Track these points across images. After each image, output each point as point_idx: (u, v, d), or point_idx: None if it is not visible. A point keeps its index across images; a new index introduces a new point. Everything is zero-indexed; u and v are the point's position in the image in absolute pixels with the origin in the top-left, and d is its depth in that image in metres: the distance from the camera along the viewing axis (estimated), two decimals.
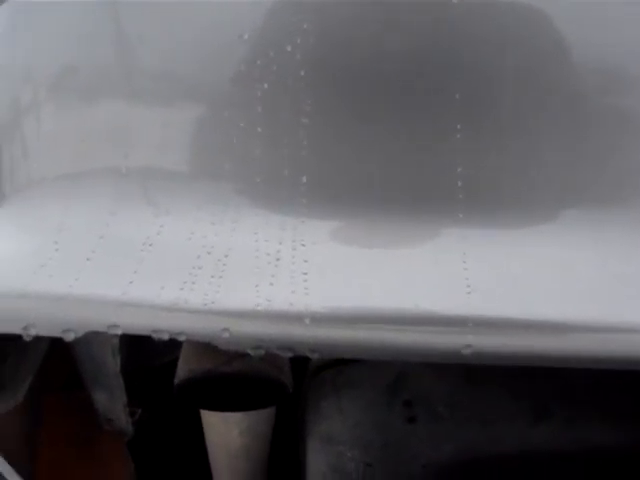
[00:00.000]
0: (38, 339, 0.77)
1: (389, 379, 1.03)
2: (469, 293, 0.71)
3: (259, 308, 0.71)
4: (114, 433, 1.33)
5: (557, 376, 1.00)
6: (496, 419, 1.02)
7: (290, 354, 0.72)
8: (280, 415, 1.22)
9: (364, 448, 1.05)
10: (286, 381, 0.89)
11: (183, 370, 0.87)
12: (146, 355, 1.31)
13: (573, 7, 0.74)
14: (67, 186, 0.79)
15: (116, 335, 1.05)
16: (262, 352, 0.72)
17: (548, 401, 1.02)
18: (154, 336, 0.72)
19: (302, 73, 0.74)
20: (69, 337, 0.74)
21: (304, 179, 0.75)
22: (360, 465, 1.06)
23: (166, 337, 0.72)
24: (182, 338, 0.72)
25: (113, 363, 1.15)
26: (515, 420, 1.02)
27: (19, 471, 1.29)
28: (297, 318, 0.70)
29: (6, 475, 1.29)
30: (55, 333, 0.74)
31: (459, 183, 0.75)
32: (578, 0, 0.75)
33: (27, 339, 0.75)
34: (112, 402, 1.26)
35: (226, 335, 0.71)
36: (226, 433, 1.17)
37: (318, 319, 0.70)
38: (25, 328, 0.74)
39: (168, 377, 0.99)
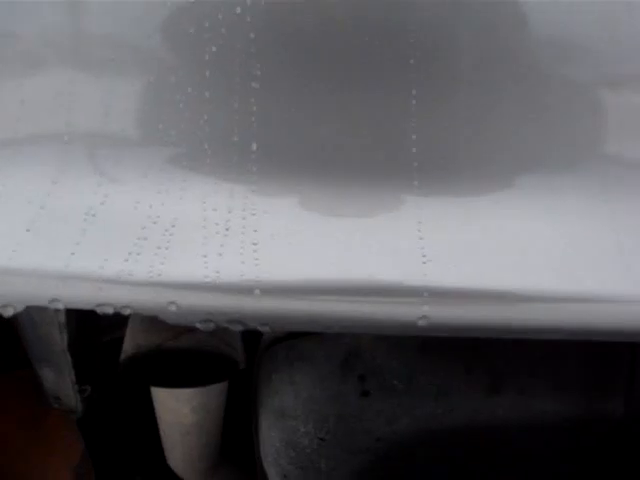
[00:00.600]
0: None
1: (342, 353, 1.02)
2: (424, 263, 0.70)
3: (207, 280, 0.68)
4: (63, 411, 1.31)
5: (510, 348, 1.00)
6: (450, 392, 1.01)
7: (240, 327, 0.70)
8: (232, 390, 1.20)
9: (318, 422, 1.04)
10: (236, 356, 0.87)
11: (129, 346, 0.85)
12: (94, 331, 1.28)
13: None
14: (4, 153, 0.76)
15: (60, 310, 1.03)
16: (212, 326, 0.70)
17: (501, 373, 1.02)
18: (98, 310, 0.69)
19: (252, 36, 0.72)
20: (8, 312, 0.70)
21: (254, 146, 0.73)
22: (314, 440, 1.05)
23: (110, 311, 0.69)
24: (127, 312, 0.69)
25: (60, 340, 1.12)
26: (469, 392, 1.02)
27: None
28: (247, 290, 0.68)
29: None
30: None
31: (414, 150, 0.73)
32: None
33: None
34: (60, 380, 1.23)
35: (173, 308, 0.69)
36: (177, 410, 1.15)
37: (269, 291, 0.68)
38: None
39: (118, 353, 0.97)
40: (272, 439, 1.11)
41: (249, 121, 0.73)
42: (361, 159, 0.74)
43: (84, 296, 0.69)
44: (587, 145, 0.76)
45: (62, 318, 1.07)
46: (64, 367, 1.18)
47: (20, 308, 0.70)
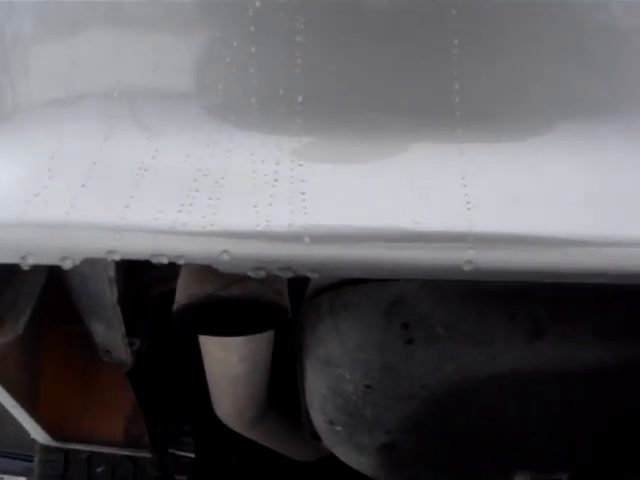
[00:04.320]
0: (35, 270, 0.77)
1: (386, 302, 1.03)
2: (469, 209, 0.71)
3: (258, 229, 0.70)
4: (113, 364, 1.34)
5: (553, 294, 1.01)
6: (493, 338, 1.02)
7: (290, 274, 0.72)
8: (278, 339, 1.22)
9: (363, 370, 1.06)
10: (284, 304, 0.89)
11: (182, 295, 0.87)
12: (142, 285, 1.31)
13: None
14: (57, 113, 0.78)
15: (113, 264, 1.06)
16: (263, 274, 0.72)
17: (544, 319, 1.02)
18: (153, 260, 0.71)
19: None
20: (67, 265, 0.73)
21: (300, 98, 0.74)
22: (360, 387, 1.07)
23: (165, 261, 0.71)
24: (181, 262, 0.72)
25: (110, 294, 1.14)
26: (511, 339, 1.02)
27: (21, 403, 1.31)
28: (297, 238, 0.70)
29: (9, 407, 1.31)
30: (53, 261, 0.73)
31: (456, 99, 0.73)
32: None
33: (25, 269, 0.74)
34: (110, 333, 1.26)
35: (226, 257, 0.71)
36: (226, 359, 1.18)
37: (318, 238, 0.70)
38: (23, 257, 0.74)
39: (166, 307, 0.99)
40: (318, 387, 1.13)
41: (294, 73, 0.74)
42: (405, 109, 0.75)
43: (140, 247, 0.72)
44: (629, 88, 0.76)
45: (112, 272, 1.10)
46: (114, 321, 1.21)
47: (78, 260, 0.73)
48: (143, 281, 1.31)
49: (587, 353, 1.02)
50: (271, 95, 0.74)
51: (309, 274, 0.72)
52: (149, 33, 0.77)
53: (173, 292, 0.93)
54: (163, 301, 1.19)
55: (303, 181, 0.72)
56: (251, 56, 0.74)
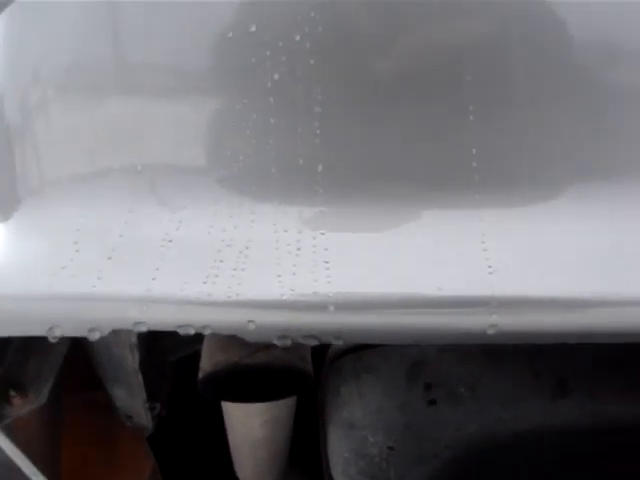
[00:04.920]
0: (60, 340, 0.78)
1: (408, 363, 1.03)
2: (491, 273, 0.72)
3: (284, 298, 0.71)
4: (134, 429, 1.34)
5: (576, 351, 1.01)
6: (517, 397, 1.02)
7: (315, 342, 0.72)
8: (300, 401, 1.22)
9: (386, 432, 1.05)
10: (309, 370, 0.90)
11: (207, 363, 0.88)
12: (162, 350, 1.31)
13: None
14: (82, 186, 0.80)
15: (132, 332, 1.07)
16: (288, 342, 0.72)
17: (568, 377, 1.02)
18: (180, 331, 0.72)
19: (312, 62, 0.74)
20: (94, 337, 0.74)
21: (319, 168, 0.75)
22: (383, 449, 1.07)
23: (191, 332, 0.72)
24: (207, 332, 0.72)
25: (132, 360, 1.15)
26: (536, 397, 1.02)
27: (43, 471, 1.30)
28: (321, 306, 0.71)
29: (31, 476, 1.30)
30: (81, 333, 0.74)
31: (474, 164, 0.75)
32: None
33: (52, 341, 0.75)
34: (131, 399, 1.26)
35: (252, 327, 0.71)
36: (248, 423, 1.18)
37: (342, 306, 0.71)
38: (50, 329, 0.75)
39: (185, 371, 0.99)
40: (341, 450, 1.13)
41: (313, 144, 0.75)
42: (423, 175, 0.76)
43: (166, 318, 0.73)
44: None
45: (134, 339, 1.11)
46: (135, 386, 1.22)
47: (106, 332, 0.74)
48: (163, 346, 1.31)
49: (613, 408, 1.01)
50: (291, 165, 0.76)
51: (333, 341, 0.72)
52: (170, 105, 0.78)
53: (193, 356, 0.93)
54: (183, 365, 1.20)
55: (326, 250, 0.74)
56: (270, 127, 0.76)
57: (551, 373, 1.01)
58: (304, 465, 1.51)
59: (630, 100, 0.76)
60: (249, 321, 0.71)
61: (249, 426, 1.19)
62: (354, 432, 1.08)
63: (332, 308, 0.71)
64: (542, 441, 1.05)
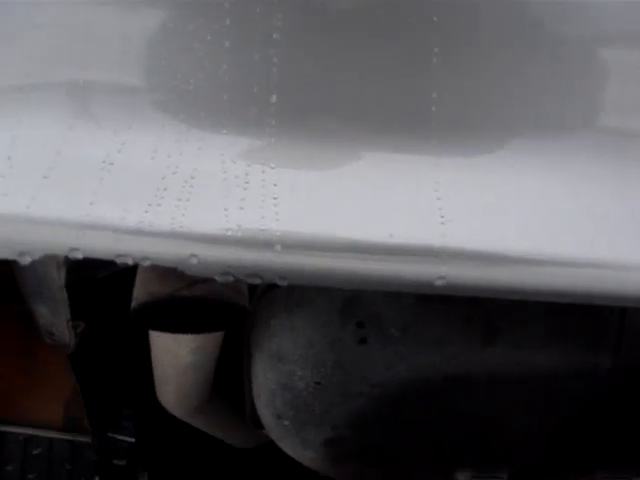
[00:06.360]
0: None
1: (342, 300, 1.02)
2: (443, 223, 0.70)
3: (229, 233, 0.68)
4: (56, 346, 1.31)
5: (507, 301, 1.01)
6: (447, 341, 1.03)
7: (259, 281, 0.70)
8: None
9: (315, 367, 1.05)
10: (245, 304, 0.88)
11: (141, 293, 0.85)
12: (90, 268, 1.28)
13: None
14: (20, 98, 0.74)
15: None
16: (230, 279, 0.70)
17: (498, 325, 1.03)
18: (117, 261, 0.69)
19: None
20: (25, 261, 0.70)
21: (274, 98, 0.72)
22: (310, 383, 1.07)
23: (130, 262, 0.69)
24: (147, 263, 0.70)
25: (57, 278, 1.11)
26: (465, 342, 1.03)
27: None
28: (268, 245, 0.69)
29: None
30: (10, 256, 0.71)
31: (433, 108, 0.73)
32: None
33: None
34: (55, 316, 1.23)
35: (194, 261, 0.69)
36: (176, 350, 1.16)
37: (289, 246, 0.69)
38: None
39: (111, 290, 0.96)
40: (267, 381, 1.12)
41: (269, 72, 0.72)
42: (380, 116, 0.74)
43: (104, 246, 0.69)
44: (599, 105, 0.76)
45: (61, 257, 1.07)
46: (59, 303, 1.18)
47: (37, 256, 0.70)
48: (91, 264, 1.27)
49: (536, 358, 1.03)
50: (244, 93, 0.72)
51: (278, 282, 0.70)
52: (119, 20, 0.74)
53: (119, 274, 0.90)
54: (109, 283, 1.17)
55: (275, 185, 0.71)
56: (225, 51, 0.72)
57: (481, 318, 1.01)
58: (226, 391, 1.51)
59: (588, 56, 0.75)
60: (192, 255, 0.69)
61: (176, 352, 1.18)
62: (282, 365, 1.07)
63: (279, 247, 0.69)
64: (467, 384, 1.06)
